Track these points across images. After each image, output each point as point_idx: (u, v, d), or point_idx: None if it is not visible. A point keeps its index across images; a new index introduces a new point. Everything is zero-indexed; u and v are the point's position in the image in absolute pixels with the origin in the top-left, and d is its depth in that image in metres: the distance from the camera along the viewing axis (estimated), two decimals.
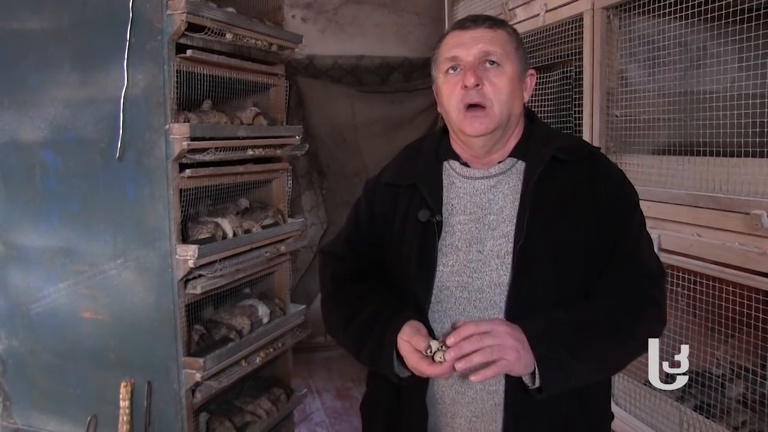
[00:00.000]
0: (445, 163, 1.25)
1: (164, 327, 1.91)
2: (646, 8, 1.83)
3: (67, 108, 1.98)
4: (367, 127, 4.20)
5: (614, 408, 1.71)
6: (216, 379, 1.99)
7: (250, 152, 2.10)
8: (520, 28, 2.27)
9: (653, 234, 1.63)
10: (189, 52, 1.85)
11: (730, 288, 1.60)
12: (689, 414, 1.77)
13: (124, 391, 1.95)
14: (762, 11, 1.51)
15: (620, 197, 1.17)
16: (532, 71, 1.22)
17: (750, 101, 1.54)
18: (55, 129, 2.00)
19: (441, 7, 3.41)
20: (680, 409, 1.80)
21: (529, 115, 1.26)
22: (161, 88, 1.83)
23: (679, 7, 1.70)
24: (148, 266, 1.91)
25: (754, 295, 1.56)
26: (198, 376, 1.89)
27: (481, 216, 1.17)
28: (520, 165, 1.19)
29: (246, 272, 2.15)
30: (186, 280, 1.91)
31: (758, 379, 1.65)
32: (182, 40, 1.84)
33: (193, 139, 1.82)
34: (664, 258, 1.70)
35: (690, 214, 1.71)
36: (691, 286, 1.73)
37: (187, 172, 1.89)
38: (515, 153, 1.20)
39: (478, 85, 1.12)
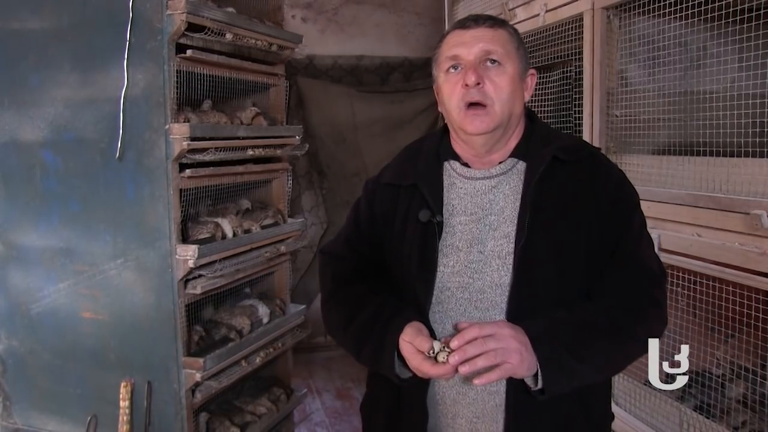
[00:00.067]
0: (446, 164, 1.24)
1: (164, 327, 1.91)
2: (646, 8, 1.83)
3: (67, 108, 1.98)
4: (367, 127, 4.20)
5: (614, 408, 1.71)
6: (216, 379, 1.99)
7: (250, 152, 2.10)
8: (520, 28, 2.27)
9: (653, 234, 1.63)
10: (189, 52, 1.85)
11: (730, 288, 1.60)
12: (689, 414, 1.77)
13: (124, 391, 1.95)
14: (762, 11, 1.51)
15: (621, 197, 1.17)
16: (532, 71, 1.23)
17: (750, 101, 1.54)
18: (55, 129, 2.00)
19: (441, 7, 3.41)
20: (680, 409, 1.80)
21: (529, 115, 1.26)
22: (161, 88, 1.83)
23: (679, 7, 1.70)
24: (148, 266, 1.91)
25: (754, 295, 1.56)
26: (198, 376, 1.90)
27: (481, 216, 1.17)
28: (521, 165, 1.19)
29: (246, 272, 2.15)
30: (186, 280, 1.91)
31: (758, 379, 1.65)
32: (182, 40, 1.84)
33: (193, 139, 1.82)
34: (664, 258, 1.70)
35: (690, 214, 1.71)
36: (691, 286, 1.73)
37: (187, 172, 1.89)
38: (516, 153, 1.20)
39: (479, 83, 1.12)
